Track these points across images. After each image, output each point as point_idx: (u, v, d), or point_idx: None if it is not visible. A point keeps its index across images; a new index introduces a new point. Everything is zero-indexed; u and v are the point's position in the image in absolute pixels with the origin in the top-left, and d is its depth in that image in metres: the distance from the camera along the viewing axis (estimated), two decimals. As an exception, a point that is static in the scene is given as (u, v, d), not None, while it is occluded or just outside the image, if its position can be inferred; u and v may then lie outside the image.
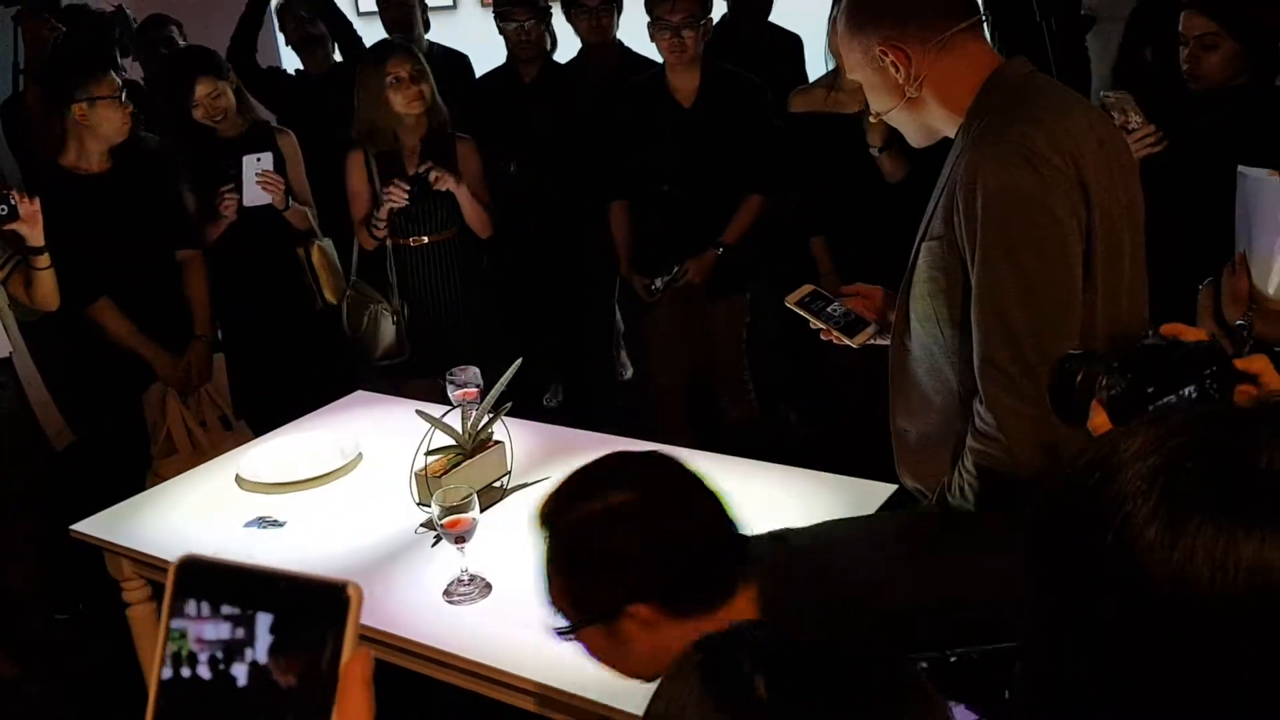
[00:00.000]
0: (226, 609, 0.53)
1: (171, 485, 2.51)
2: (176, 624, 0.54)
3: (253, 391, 3.41)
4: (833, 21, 1.64)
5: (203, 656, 0.53)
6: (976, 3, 1.60)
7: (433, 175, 3.19)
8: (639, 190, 3.44)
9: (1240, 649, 0.53)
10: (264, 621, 0.52)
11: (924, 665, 0.93)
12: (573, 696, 1.66)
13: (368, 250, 3.37)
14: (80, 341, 3.11)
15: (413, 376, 3.36)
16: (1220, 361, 1.12)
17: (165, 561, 2.16)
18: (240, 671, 0.52)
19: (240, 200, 3.19)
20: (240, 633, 0.53)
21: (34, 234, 2.72)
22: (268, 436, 2.68)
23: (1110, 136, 1.56)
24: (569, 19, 3.74)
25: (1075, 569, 0.59)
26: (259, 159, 3.19)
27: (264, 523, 2.26)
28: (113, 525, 2.32)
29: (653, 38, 3.22)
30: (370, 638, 1.90)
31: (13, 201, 2.65)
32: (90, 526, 2.31)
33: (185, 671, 0.53)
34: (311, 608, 0.52)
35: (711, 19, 3.26)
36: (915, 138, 1.63)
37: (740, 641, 0.75)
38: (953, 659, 0.93)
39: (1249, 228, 1.69)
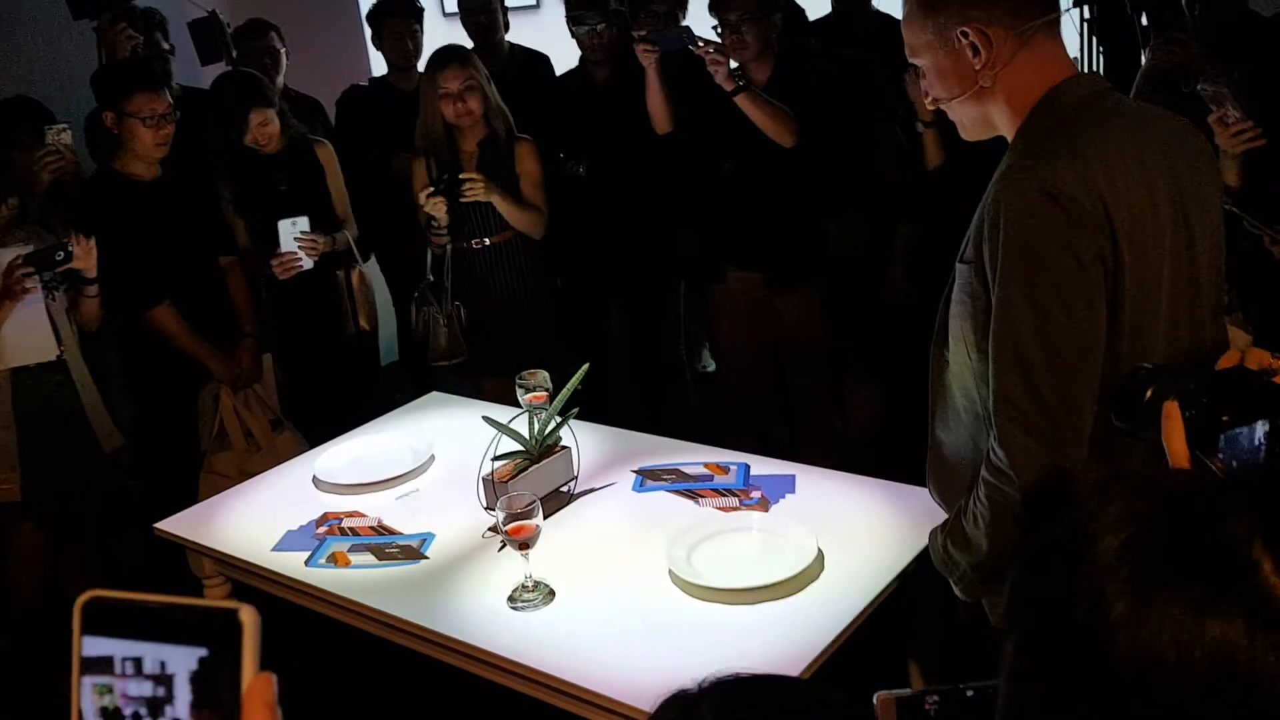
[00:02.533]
0: (140, 654, 0.54)
1: (248, 486, 2.59)
2: (102, 680, 0.55)
3: (298, 395, 3.49)
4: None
5: (127, 711, 0.55)
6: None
7: (467, 186, 3.22)
8: (700, 171, 3.43)
9: None
10: (183, 677, 0.54)
11: (936, 699, 0.92)
12: (631, 708, 1.66)
13: (436, 253, 3.43)
14: (135, 344, 3.21)
15: (486, 375, 3.40)
16: None
17: (245, 561, 2.23)
18: None
19: (279, 267, 3.28)
20: (161, 691, 0.54)
21: (88, 269, 2.87)
22: (342, 438, 2.73)
23: (1166, 157, 1.49)
24: (633, 21, 3.74)
25: (1048, 636, 0.59)
26: (294, 223, 3.28)
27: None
28: (195, 524, 2.40)
29: (720, 36, 3.22)
30: (434, 641, 1.93)
31: (70, 248, 2.78)
32: (174, 525, 2.39)
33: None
34: (212, 635, 0.53)
35: (777, 15, 3.24)
36: (971, 131, 1.59)
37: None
38: (969, 693, 0.92)
39: None
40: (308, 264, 3.31)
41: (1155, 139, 1.49)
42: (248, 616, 0.54)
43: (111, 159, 3.16)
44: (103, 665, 0.56)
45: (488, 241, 3.41)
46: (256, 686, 0.52)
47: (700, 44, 3.11)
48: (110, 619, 0.55)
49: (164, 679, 0.54)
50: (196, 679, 0.54)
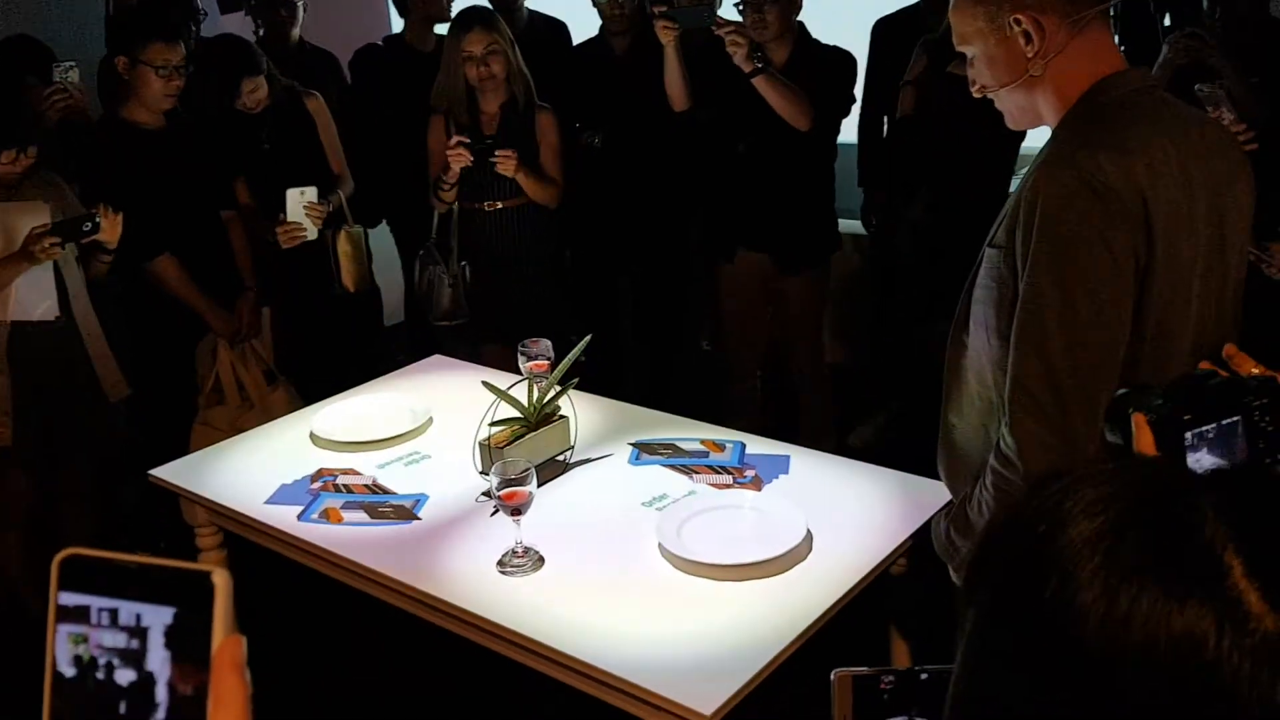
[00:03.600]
0: (116, 606, 0.55)
1: (246, 438, 2.59)
2: (76, 629, 0.56)
3: (294, 350, 3.49)
4: None
5: (101, 661, 0.56)
6: None
7: (497, 158, 3.21)
8: (715, 150, 3.42)
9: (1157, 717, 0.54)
10: (156, 632, 0.55)
11: (891, 679, 0.93)
12: (614, 677, 1.68)
13: (440, 210, 3.41)
14: (137, 296, 3.21)
15: (486, 341, 3.40)
16: (1274, 394, 1.09)
17: (239, 512, 2.25)
18: (133, 677, 0.55)
19: (283, 236, 3.28)
20: (135, 643, 0.55)
21: (111, 241, 2.88)
22: (342, 396, 2.74)
23: (1208, 159, 1.47)
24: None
25: (1013, 612, 0.60)
26: (302, 192, 3.27)
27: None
28: (189, 473, 2.41)
29: (741, 15, 3.21)
30: (421, 601, 1.94)
31: (98, 220, 2.79)
32: (168, 473, 2.41)
33: (85, 674, 0.56)
34: (185, 596, 0.54)
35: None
36: (1018, 120, 1.57)
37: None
38: (924, 675, 0.93)
39: None
40: (312, 234, 3.31)
41: (1197, 140, 1.48)
42: (220, 579, 0.55)
43: (118, 105, 3.14)
44: (78, 615, 0.56)
45: (500, 205, 3.41)
46: (226, 647, 0.53)
47: (720, 23, 3.09)
48: (87, 576, 0.56)
49: (138, 631, 0.55)
50: (170, 634, 0.55)
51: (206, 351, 3.25)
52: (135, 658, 0.55)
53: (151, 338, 3.24)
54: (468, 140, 3.21)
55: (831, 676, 0.94)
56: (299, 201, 3.27)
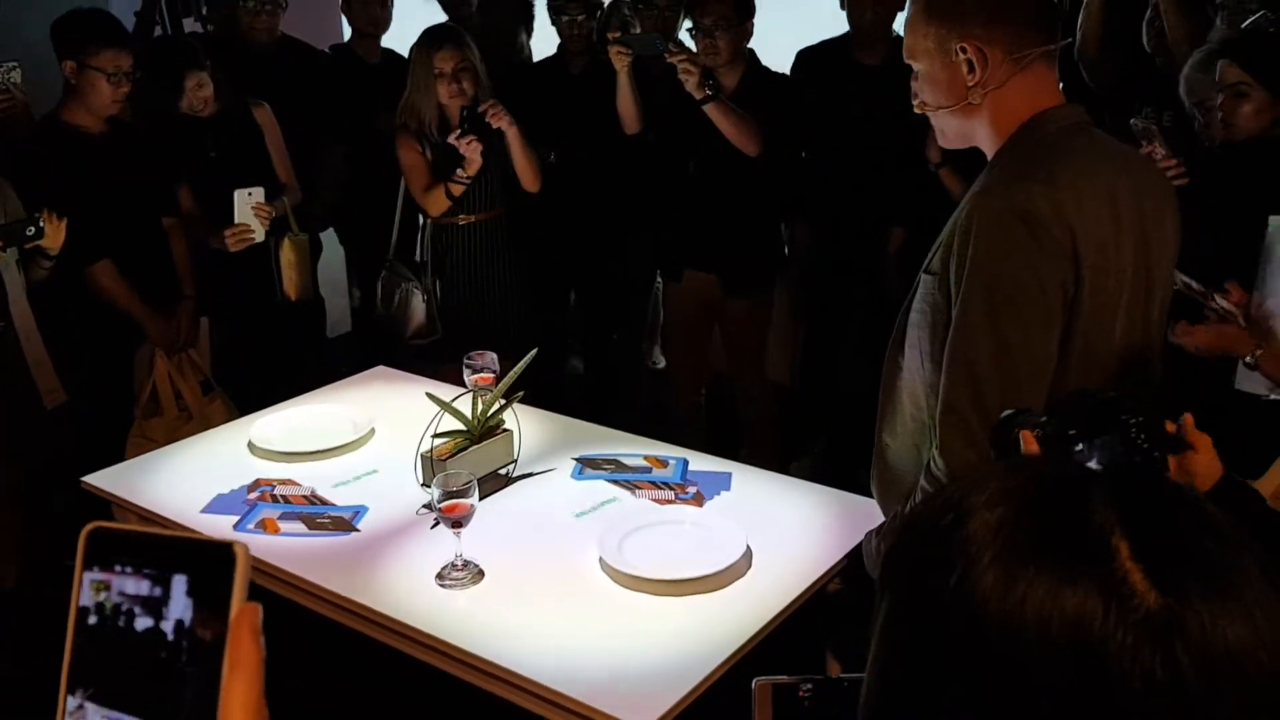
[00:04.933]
0: (140, 570, 0.58)
1: (182, 446, 2.55)
2: (100, 575, 0.59)
3: (231, 360, 3.46)
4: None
5: (124, 608, 0.58)
6: (1059, 28, 1.55)
7: (489, 112, 3.20)
8: (665, 171, 3.46)
9: (1061, 697, 0.57)
10: (179, 582, 0.58)
11: (810, 687, 0.96)
12: (550, 690, 1.67)
13: (433, 218, 3.39)
14: (75, 302, 3.16)
15: (445, 362, 3.37)
16: (1148, 414, 1.16)
17: (173, 521, 2.20)
18: (158, 624, 0.58)
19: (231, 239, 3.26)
20: (158, 591, 0.58)
21: (54, 247, 2.83)
22: (282, 405, 2.71)
23: (1137, 196, 1.52)
24: (636, 15, 3.74)
25: (920, 603, 0.63)
26: (250, 193, 3.25)
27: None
28: (123, 480, 2.37)
29: (694, 40, 3.25)
30: (358, 614, 1.92)
31: (41, 225, 2.75)
32: (102, 480, 2.36)
33: (108, 621, 0.58)
34: (209, 566, 0.57)
35: (751, 23, 3.27)
36: (950, 140, 1.61)
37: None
38: (845, 684, 0.96)
39: (1271, 275, 1.66)
40: (260, 236, 3.28)
41: (1127, 176, 1.52)
42: (240, 550, 0.58)
43: (59, 107, 3.09)
44: (103, 562, 0.59)
45: (473, 218, 3.41)
46: (245, 612, 0.56)
47: (673, 51, 3.12)
48: (110, 547, 0.58)
49: (162, 580, 0.58)
50: (192, 591, 0.57)
51: (144, 361, 3.19)
52: (156, 607, 0.57)
53: (89, 344, 3.18)
54: (461, 129, 3.19)
55: (752, 685, 0.96)
56: (246, 203, 3.24)
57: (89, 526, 0.58)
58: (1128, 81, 3.03)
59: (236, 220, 3.23)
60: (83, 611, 0.58)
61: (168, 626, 0.57)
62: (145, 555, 0.58)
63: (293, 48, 3.94)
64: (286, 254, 3.42)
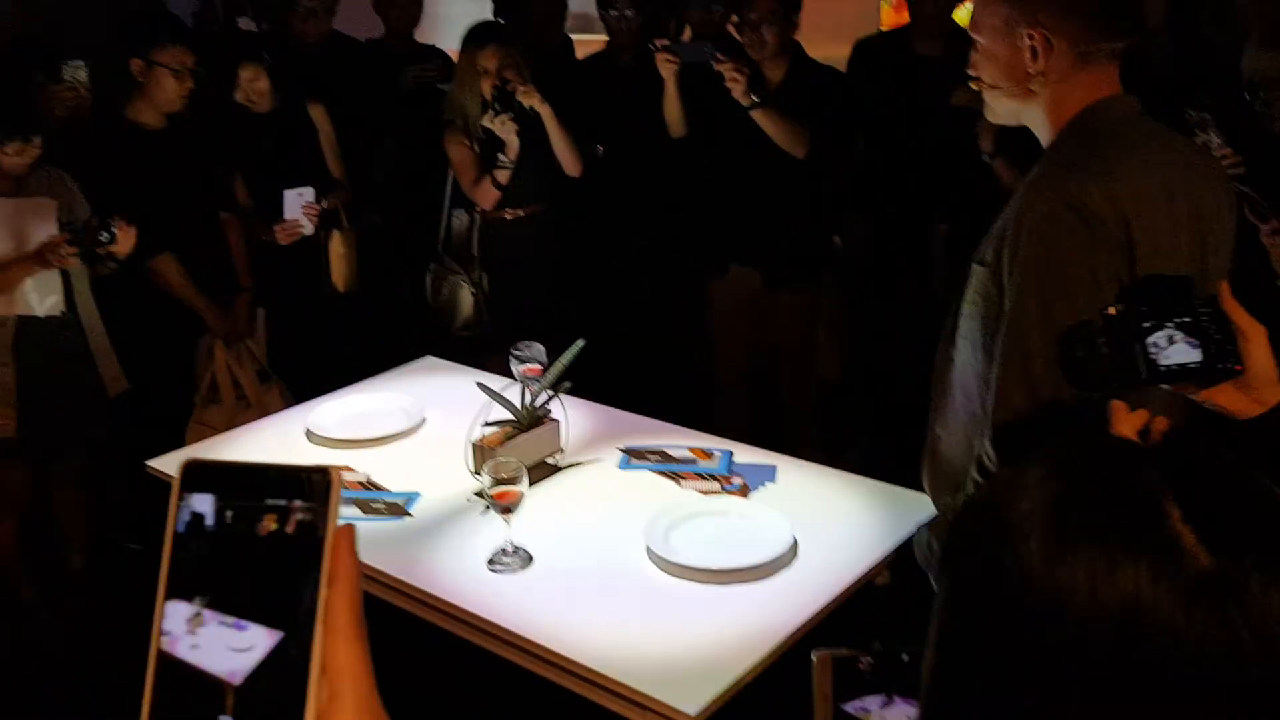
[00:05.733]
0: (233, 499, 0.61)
1: (241, 433, 2.62)
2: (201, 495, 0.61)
3: (286, 348, 3.53)
4: None
5: (225, 516, 0.61)
6: (1137, 26, 1.54)
7: (519, 90, 3.24)
8: (710, 168, 3.47)
9: (1114, 668, 0.57)
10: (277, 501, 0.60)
11: (870, 660, 0.98)
12: (599, 675, 1.70)
13: (488, 208, 3.43)
14: (137, 294, 3.24)
15: (490, 353, 3.41)
16: (1217, 306, 1.19)
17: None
18: (250, 532, 0.60)
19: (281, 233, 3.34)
20: (254, 502, 0.60)
21: (123, 252, 2.90)
22: (337, 394, 2.76)
23: (1193, 189, 1.51)
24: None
25: (976, 581, 0.64)
26: (300, 193, 3.33)
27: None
28: (185, 465, 2.43)
29: (739, 33, 3.25)
30: (412, 596, 1.97)
31: (114, 229, 2.83)
32: (164, 463, 2.43)
33: (218, 532, 0.60)
34: (305, 490, 0.60)
35: (798, 16, 3.28)
36: (999, 117, 1.60)
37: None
38: (905, 658, 0.98)
39: None
40: (309, 229, 3.37)
41: (1184, 169, 1.51)
42: (335, 473, 0.60)
43: (123, 105, 3.17)
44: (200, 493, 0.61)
45: (522, 213, 3.46)
46: (342, 531, 0.59)
47: (720, 60, 3.14)
48: (207, 479, 0.61)
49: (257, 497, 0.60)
50: (287, 508, 0.60)
51: (204, 351, 3.28)
52: (251, 518, 0.59)
53: (150, 335, 3.27)
54: (494, 109, 3.23)
55: (812, 657, 0.97)
56: (296, 202, 3.32)
57: (185, 460, 0.60)
58: (1186, 69, 2.99)
59: (286, 217, 3.31)
60: (188, 527, 0.60)
61: (266, 538, 0.60)
62: (241, 485, 0.60)
63: (343, 45, 4.00)
64: (336, 247, 3.50)
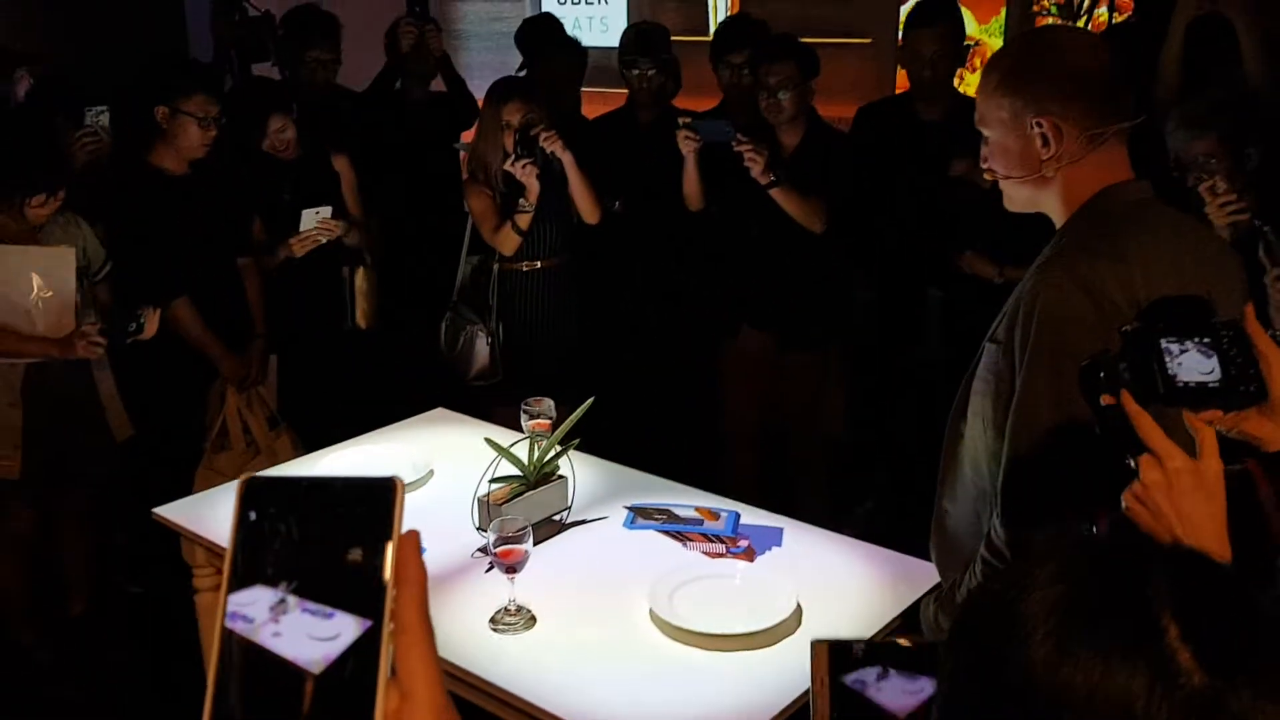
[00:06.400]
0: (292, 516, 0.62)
1: (251, 481, 2.62)
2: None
3: (298, 395, 3.54)
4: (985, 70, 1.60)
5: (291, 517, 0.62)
6: (1136, 106, 1.56)
7: (542, 136, 3.27)
8: (726, 234, 3.50)
9: None
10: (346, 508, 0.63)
11: (863, 645, 1.02)
12: (598, 740, 1.69)
13: (509, 254, 3.45)
14: (150, 339, 3.24)
15: (502, 404, 3.42)
16: (1239, 327, 1.15)
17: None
18: (319, 534, 0.61)
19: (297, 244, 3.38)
20: (320, 508, 0.62)
21: (149, 335, 2.95)
22: (345, 445, 2.77)
23: (1203, 267, 1.52)
24: (714, 69, 3.81)
25: (979, 673, 0.67)
26: (317, 212, 3.36)
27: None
28: (192, 512, 2.44)
29: (757, 99, 3.30)
30: (413, 654, 1.95)
31: (142, 320, 2.88)
32: (171, 511, 2.44)
33: (263, 524, 0.61)
34: (369, 500, 0.62)
35: (814, 82, 3.33)
36: (1017, 205, 1.62)
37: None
38: (903, 642, 1.04)
39: None
40: (325, 239, 3.40)
41: (1194, 249, 1.53)
42: (399, 483, 0.63)
43: (146, 151, 3.21)
44: (260, 509, 0.62)
45: (539, 265, 3.49)
46: (408, 536, 0.61)
47: (740, 140, 3.17)
48: (269, 495, 0.62)
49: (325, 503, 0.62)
50: (355, 516, 0.62)
51: (216, 396, 3.29)
52: (319, 520, 0.61)
53: (162, 380, 3.29)
54: (516, 153, 3.27)
55: (810, 645, 1.02)
56: (313, 220, 3.36)
57: (245, 476, 0.62)
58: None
59: (302, 230, 3.35)
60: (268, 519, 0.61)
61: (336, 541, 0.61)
62: (303, 501, 0.62)
63: (346, 96, 4.07)
64: (360, 283, 3.54)
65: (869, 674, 1.04)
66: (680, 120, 3.37)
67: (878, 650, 1.03)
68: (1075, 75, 1.50)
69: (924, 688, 1.14)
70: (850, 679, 1.04)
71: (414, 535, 0.61)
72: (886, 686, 1.05)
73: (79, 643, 3.11)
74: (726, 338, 3.58)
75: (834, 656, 1.04)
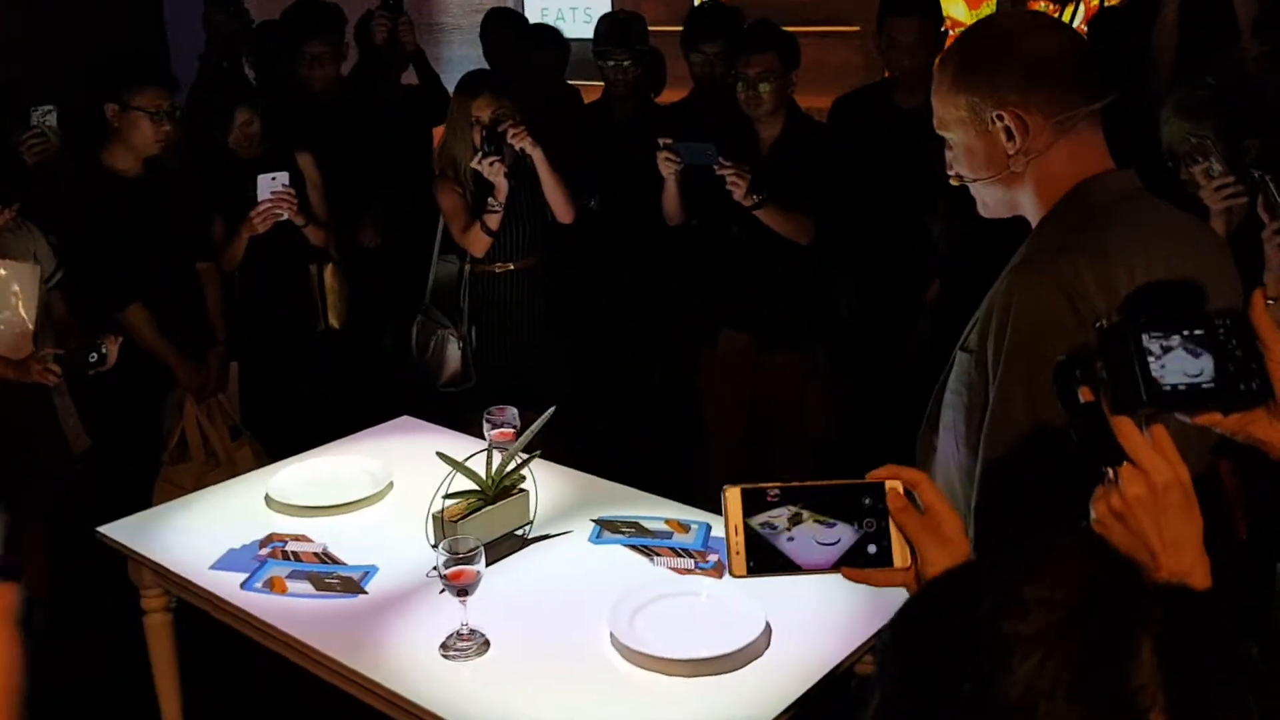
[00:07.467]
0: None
1: (200, 497, 2.52)
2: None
3: (260, 403, 3.44)
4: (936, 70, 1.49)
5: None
6: (1107, 84, 1.45)
7: (510, 131, 3.15)
8: (708, 230, 3.39)
9: None
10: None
11: (777, 492, 1.10)
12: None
13: (479, 255, 3.35)
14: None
15: (473, 411, 3.31)
16: (1238, 317, 0.98)
17: (182, 578, 2.16)
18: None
19: (257, 218, 3.23)
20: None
21: (110, 363, 2.81)
22: (303, 456, 2.66)
23: (1192, 259, 1.41)
24: (685, 58, 3.70)
25: (931, 686, 0.62)
26: (274, 177, 3.23)
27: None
28: (138, 533, 2.33)
29: (737, 91, 3.19)
30: (357, 682, 1.85)
31: (104, 351, 2.74)
32: (116, 531, 2.33)
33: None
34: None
35: (794, 75, 3.22)
36: (992, 210, 1.51)
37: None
38: (813, 488, 1.13)
39: None
40: (285, 215, 3.25)
41: (1183, 244, 1.42)
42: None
43: (98, 151, 3.10)
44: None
45: (512, 266, 3.38)
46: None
47: (722, 164, 3.06)
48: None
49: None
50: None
51: (174, 406, 3.19)
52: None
53: (117, 389, 3.18)
54: (483, 151, 3.16)
55: (723, 492, 1.06)
56: (269, 186, 3.22)
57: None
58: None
59: (259, 200, 3.21)
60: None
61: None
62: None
63: (353, 93, 3.94)
64: (330, 281, 3.43)
65: (780, 514, 1.09)
66: (661, 141, 3.23)
67: (795, 492, 1.09)
68: (1030, 60, 1.39)
69: (840, 537, 1.14)
70: (759, 521, 1.10)
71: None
72: (799, 535, 1.11)
73: (39, 658, 3.01)
74: (705, 342, 3.47)
75: (747, 500, 1.09)
